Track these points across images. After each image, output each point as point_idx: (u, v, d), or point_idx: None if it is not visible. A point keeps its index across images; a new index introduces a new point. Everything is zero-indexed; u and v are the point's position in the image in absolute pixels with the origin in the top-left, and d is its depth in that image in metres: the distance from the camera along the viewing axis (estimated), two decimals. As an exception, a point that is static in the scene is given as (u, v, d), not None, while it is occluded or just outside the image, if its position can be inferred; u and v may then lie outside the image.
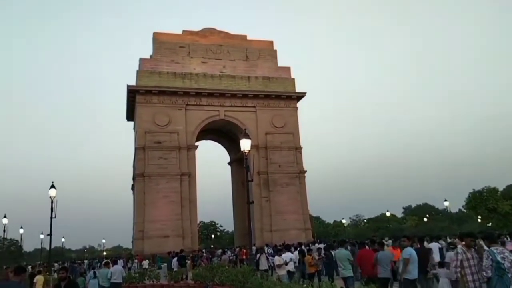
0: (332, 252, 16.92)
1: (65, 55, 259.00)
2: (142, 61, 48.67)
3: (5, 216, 38.41)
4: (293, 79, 52.70)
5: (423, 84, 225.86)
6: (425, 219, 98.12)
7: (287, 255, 16.09)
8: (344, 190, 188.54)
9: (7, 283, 7.60)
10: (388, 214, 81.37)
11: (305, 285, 9.06)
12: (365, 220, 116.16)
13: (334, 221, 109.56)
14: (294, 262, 16.53)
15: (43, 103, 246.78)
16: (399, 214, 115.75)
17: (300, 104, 52.47)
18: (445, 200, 57.67)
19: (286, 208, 47.35)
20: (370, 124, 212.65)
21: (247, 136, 18.17)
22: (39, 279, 16.26)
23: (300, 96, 51.93)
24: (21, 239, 54.45)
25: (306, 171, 50.03)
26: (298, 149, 50.17)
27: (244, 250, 28.82)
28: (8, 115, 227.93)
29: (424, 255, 11.44)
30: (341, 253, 12.77)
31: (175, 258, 25.88)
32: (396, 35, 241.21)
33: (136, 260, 38.05)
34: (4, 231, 39.40)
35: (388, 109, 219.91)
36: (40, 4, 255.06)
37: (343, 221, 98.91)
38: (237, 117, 48.98)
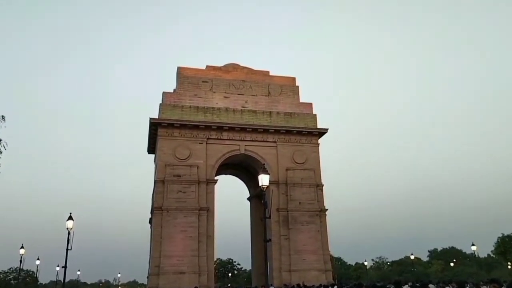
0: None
1: (90, 87, 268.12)
2: (165, 94, 49.72)
3: (22, 247, 38.67)
4: (315, 115, 52.71)
5: (451, 123, 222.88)
6: (451, 264, 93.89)
7: None
8: (367, 230, 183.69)
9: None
10: (412, 257, 78.35)
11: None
12: (388, 263, 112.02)
13: (356, 263, 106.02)
14: None
15: (63, 130, 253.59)
16: (424, 257, 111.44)
17: (322, 140, 52.17)
18: (473, 244, 55.21)
19: (306, 248, 46.07)
20: (395, 162, 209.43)
21: (265, 171, 17.90)
22: None
23: (322, 132, 51.68)
24: (37, 270, 54.50)
25: (327, 209, 48.98)
26: (319, 186, 49.40)
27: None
28: (31, 143, 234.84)
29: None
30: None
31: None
32: (420, 68, 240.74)
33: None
34: (20, 261, 39.60)
35: (415, 146, 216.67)
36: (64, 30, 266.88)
37: (365, 263, 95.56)
38: (258, 151, 48.93)
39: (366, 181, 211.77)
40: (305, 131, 50.60)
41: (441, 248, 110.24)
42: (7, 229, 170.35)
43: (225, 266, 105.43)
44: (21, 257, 38.86)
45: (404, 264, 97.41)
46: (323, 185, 49.91)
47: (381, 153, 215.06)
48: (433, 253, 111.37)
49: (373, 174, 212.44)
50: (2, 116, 22.91)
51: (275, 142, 49.71)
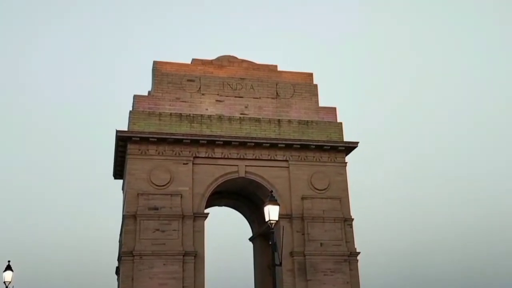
0: None
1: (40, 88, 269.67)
2: (137, 99, 49.66)
3: None
4: (340, 123, 52.69)
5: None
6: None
7: None
8: (416, 281, 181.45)
9: None
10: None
11: None
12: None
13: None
14: None
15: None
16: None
17: (350, 158, 52.06)
18: None
19: (331, 307, 45.68)
20: (447, 188, 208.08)
21: (274, 201, 17.78)
22: None
23: (351, 146, 51.51)
24: None
25: (359, 252, 48.62)
26: (347, 220, 49.07)
27: None
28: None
29: None
30: None
31: None
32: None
33: None
34: None
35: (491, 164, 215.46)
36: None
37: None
38: (263, 174, 48.78)
39: (414, 213, 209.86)
40: (328, 146, 50.44)
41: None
42: None
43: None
44: None
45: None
46: (353, 219, 49.58)
47: (436, 171, 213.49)
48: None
49: (424, 203, 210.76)
50: None
51: (286, 161, 49.61)
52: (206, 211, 48.25)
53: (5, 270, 25.42)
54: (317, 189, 49.25)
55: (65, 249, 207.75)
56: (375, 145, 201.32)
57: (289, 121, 51.09)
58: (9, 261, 25.44)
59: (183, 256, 44.61)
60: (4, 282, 25.03)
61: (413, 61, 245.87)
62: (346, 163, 51.51)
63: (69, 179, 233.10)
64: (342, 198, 49.64)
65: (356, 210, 50.42)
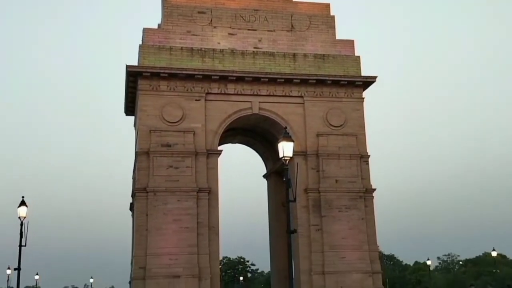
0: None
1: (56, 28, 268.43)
2: (146, 32, 49.49)
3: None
4: (358, 57, 52.26)
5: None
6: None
7: None
8: (430, 219, 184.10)
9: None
10: (494, 254, 78.83)
11: None
12: (460, 262, 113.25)
13: (416, 263, 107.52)
14: None
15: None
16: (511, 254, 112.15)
17: (367, 94, 51.86)
18: None
19: (346, 242, 46.80)
20: (469, 126, 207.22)
21: (288, 137, 18.03)
22: None
23: (369, 81, 51.30)
24: (-18, 274, 56.71)
25: (374, 189, 49.38)
26: (363, 157, 49.53)
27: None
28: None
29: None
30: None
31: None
32: None
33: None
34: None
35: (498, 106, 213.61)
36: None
37: (428, 262, 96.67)
38: (277, 111, 48.99)
39: (429, 151, 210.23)
40: (344, 81, 50.29)
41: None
42: None
43: (235, 267, 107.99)
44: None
45: (482, 264, 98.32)
46: (369, 156, 50.07)
47: (454, 113, 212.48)
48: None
49: (440, 142, 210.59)
50: None
51: (301, 97, 49.63)
52: (219, 148, 49.00)
53: (19, 206, 26.29)
54: (333, 126, 49.46)
55: (78, 187, 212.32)
56: (394, 80, 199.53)
57: (305, 55, 50.71)
58: (23, 197, 26.37)
59: (197, 192, 45.68)
60: (19, 218, 25.96)
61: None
62: (364, 98, 51.40)
63: (80, 115, 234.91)
64: (359, 135, 49.90)
65: (373, 147, 50.66)
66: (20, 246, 25.88)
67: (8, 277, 57.81)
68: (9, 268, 54.20)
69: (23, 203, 26.38)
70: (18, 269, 27.01)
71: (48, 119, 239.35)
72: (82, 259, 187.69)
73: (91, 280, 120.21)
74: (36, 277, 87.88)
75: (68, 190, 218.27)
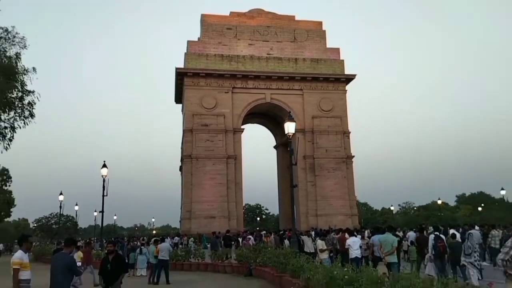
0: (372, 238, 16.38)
1: (113, 35, 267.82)
2: (190, 43, 49.46)
3: (61, 193, 40.97)
4: (342, 60, 51.55)
5: (486, 66, 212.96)
6: (479, 209, 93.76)
7: (353, 240, 14.48)
8: (393, 176, 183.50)
9: (60, 253, 8.29)
10: (439, 202, 78.46)
11: (346, 269, 8.96)
12: (415, 208, 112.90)
13: (383, 208, 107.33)
14: (361, 247, 14.63)
15: (89, 82, 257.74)
16: (452, 202, 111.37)
17: (349, 87, 51.35)
18: (502, 189, 54.52)
19: (332, 193, 47.00)
20: (423, 108, 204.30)
21: (291, 119, 18.06)
22: (77, 255, 17.19)
23: (350, 78, 50.74)
24: (76, 215, 57.99)
25: (354, 156, 49.21)
26: (346, 133, 49.36)
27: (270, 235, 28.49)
28: (64, 96, 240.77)
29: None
30: (388, 238, 12.51)
31: (221, 238, 26.50)
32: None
33: (183, 239, 39.29)
34: (60, 207, 42.09)
35: (444, 91, 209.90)
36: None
37: (392, 208, 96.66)
38: (284, 100, 48.80)
39: (394, 128, 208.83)
40: (332, 78, 49.81)
41: (469, 193, 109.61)
42: (47, 177, 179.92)
43: (254, 211, 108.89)
44: (60, 203, 41.22)
45: (431, 209, 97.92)
46: (350, 132, 49.84)
47: (410, 100, 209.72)
48: (461, 198, 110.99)
49: (401, 121, 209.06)
50: (33, 67, 23.66)
51: (301, 89, 49.33)
52: (242, 127, 49.08)
53: (102, 167, 26.80)
54: (324, 110, 49.20)
55: (143, 154, 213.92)
56: (372, 78, 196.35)
57: (304, 59, 50.17)
58: (104, 161, 26.76)
59: (226, 159, 46.00)
60: (102, 176, 26.48)
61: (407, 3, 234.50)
62: (346, 91, 50.92)
63: (144, 104, 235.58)
64: (342, 117, 49.63)
65: (353, 126, 50.52)
66: (103, 195, 26.39)
67: (95, 217, 59.09)
68: (95, 211, 55.39)
69: (104, 165, 26.79)
70: (102, 212, 27.61)
71: (120, 108, 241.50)
72: (146, 204, 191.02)
73: (153, 220, 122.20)
74: (114, 217, 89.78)
75: (136, 156, 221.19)
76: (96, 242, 38.26)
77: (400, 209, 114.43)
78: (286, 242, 21.77)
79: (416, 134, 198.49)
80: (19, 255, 7.34)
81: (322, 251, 15.27)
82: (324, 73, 49.62)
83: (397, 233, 21.44)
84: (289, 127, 17.74)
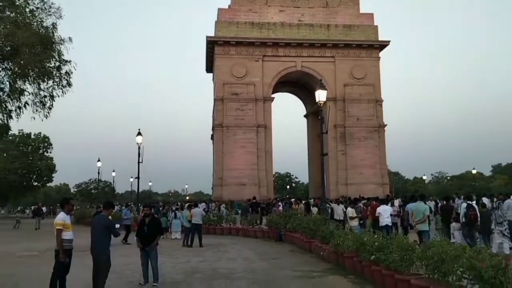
0: (406, 206, 16.33)
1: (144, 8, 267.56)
2: (220, 11, 48.82)
3: (99, 160, 42.48)
4: (376, 26, 49.69)
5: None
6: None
7: (384, 208, 14.31)
8: (427, 145, 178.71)
9: (99, 215, 8.68)
10: (474, 171, 76.32)
11: (376, 236, 8.96)
12: (448, 178, 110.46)
13: (414, 178, 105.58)
14: (391, 215, 14.60)
15: (122, 53, 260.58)
16: (487, 172, 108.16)
17: (382, 54, 49.72)
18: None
19: (363, 162, 46.51)
20: (459, 75, 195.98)
21: (322, 86, 17.73)
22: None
23: (383, 45, 49.02)
24: (113, 181, 60.30)
25: (386, 124, 48.21)
26: (378, 101, 48.23)
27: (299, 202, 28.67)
28: (101, 67, 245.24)
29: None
30: (419, 207, 12.37)
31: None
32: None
33: (210, 205, 40.18)
34: (98, 173, 43.78)
35: (481, 58, 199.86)
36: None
37: (424, 177, 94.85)
38: (315, 68, 47.87)
39: (428, 96, 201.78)
40: (365, 44, 48.24)
41: (506, 163, 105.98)
42: (85, 144, 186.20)
43: (283, 179, 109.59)
44: (98, 170, 42.87)
45: (465, 179, 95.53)
46: (382, 100, 48.65)
47: (446, 68, 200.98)
48: (497, 168, 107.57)
49: (437, 89, 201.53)
50: (69, 37, 24.09)
51: (333, 57, 48.16)
52: (272, 96, 48.74)
53: (137, 135, 27.46)
54: (356, 78, 48.08)
55: (176, 122, 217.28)
56: (406, 44, 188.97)
57: (336, 25, 48.68)
58: (139, 129, 27.38)
59: (257, 127, 46.07)
60: (137, 143, 27.17)
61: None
62: (380, 58, 49.39)
63: (178, 71, 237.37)
64: (375, 85, 48.41)
65: (386, 94, 49.16)
66: (139, 162, 27.13)
67: (131, 183, 61.12)
68: (131, 177, 57.16)
69: (139, 133, 27.42)
70: (138, 178, 28.48)
71: (154, 77, 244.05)
72: (180, 172, 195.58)
73: (186, 186, 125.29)
74: (150, 183, 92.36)
75: (170, 124, 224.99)
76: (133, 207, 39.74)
77: (432, 178, 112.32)
78: (313, 209, 21.97)
79: (451, 103, 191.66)
80: (61, 217, 7.71)
81: (352, 218, 15.29)
82: (357, 39, 48.07)
83: (428, 202, 21.16)
84: (320, 95, 17.43)
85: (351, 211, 15.72)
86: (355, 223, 15.11)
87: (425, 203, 13.76)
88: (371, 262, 8.63)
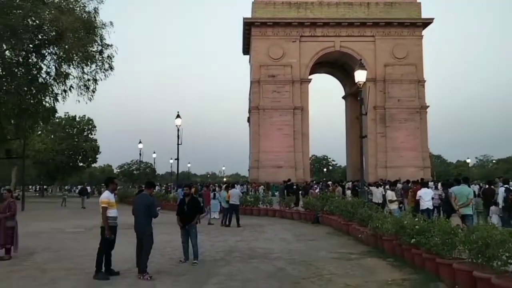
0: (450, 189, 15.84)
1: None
2: (257, -9, 48.21)
3: (140, 142, 43.70)
4: (419, 3, 47.68)
5: None
6: None
7: (425, 191, 13.96)
8: (471, 128, 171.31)
9: (141, 194, 8.98)
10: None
11: (417, 219, 8.77)
12: (494, 161, 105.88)
13: (457, 161, 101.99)
14: (433, 198, 14.17)
15: (169, 36, 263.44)
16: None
17: (425, 32, 47.76)
18: None
19: (403, 145, 45.37)
20: (508, 54, 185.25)
21: (362, 66, 17.24)
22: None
23: (427, 23, 47.05)
24: (154, 162, 61.95)
25: (428, 106, 46.66)
26: (420, 82, 46.60)
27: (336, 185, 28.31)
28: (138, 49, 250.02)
29: None
30: (463, 190, 11.96)
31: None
32: None
33: (242, 187, 40.43)
34: (140, 155, 45.12)
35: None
36: None
37: (468, 160, 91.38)
38: (354, 48, 46.70)
39: (474, 76, 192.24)
40: (408, 22, 46.48)
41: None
42: (127, 126, 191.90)
43: (320, 162, 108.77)
44: (140, 151, 44.19)
45: (511, 162, 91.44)
46: (425, 81, 46.98)
47: (493, 46, 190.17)
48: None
49: (483, 68, 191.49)
50: (111, 22, 24.61)
51: (373, 36, 46.77)
52: (309, 77, 48.15)
53: (176, 118, 27.99)
54: (397, 58, 46.60)
55: (213, 108, 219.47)
56: (450, 20, 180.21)
57: (376, 3, 47.12)
58: (178, 112, 27.90)
59: (293, 109, 45.80)
60: (176, 125, 27.73)
61: None
62: (423, 36, 47.50)
63: (217, 54, 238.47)
64: (417, 65, 46.77)
65: (428, 73, 47.36)
66: (178, 144, 27.73)
67: (171, 165, 62.58)
68: (171, 159, 58.38)
69: (178, 116, 27.92)
70: (177, 159, 29.14)
71: (191, 59, 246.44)
72: (217, 154, 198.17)
73: (223, 168, 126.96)
74: (188, 165, 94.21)
75: (207, 107, 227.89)
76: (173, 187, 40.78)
77: (477, 162, 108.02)
78: (348, 192, 21.76)
79: (498, 83, 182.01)
80: (106, 195, 8.04)
81: (391, 201, 15.02)
82: (398, 17, 46.38)
83: (472, 186, 20.52)
84: (360, 76, 16.96)
85: (390, 194, 15.44)
86: (394, 206, 14.84)
87: (469, 187, 13.32)
88: (411, 246, 8.48)
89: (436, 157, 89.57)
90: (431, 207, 13.89)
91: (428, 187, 15.36)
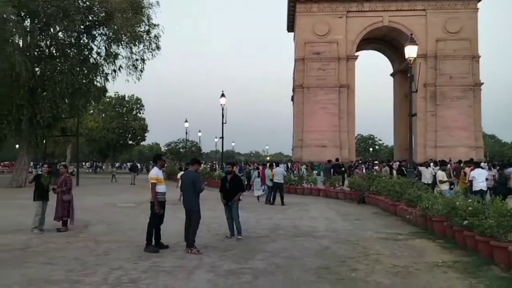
0: (506, 170, 15.05)
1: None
2: (302, -34, 47.02)
3: (186, 121, 44.64)
4: (476, -28, 44.60)
5: None
6: None
7: (479, 172, 13.35)
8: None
9: (187, 171, 9.19)
10: None
11: (470, 200, 8.38)
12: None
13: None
14: (487, 179, 13.50)
15: (211, 15, 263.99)
16: None
17: (481, 5, 44.77)
18: None
19: (455, 124, 43.39)
20: None
21: (413, 41, 16.48)
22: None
23: (483, -7, 44.04)
24: (199, 141, 63.23)
25: (482, 83, 44.12)
26: (475, 57, 44.01)
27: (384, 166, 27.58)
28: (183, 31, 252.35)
29: None
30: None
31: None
32: None
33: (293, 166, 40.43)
34: (186, 133, 46.24)
35: None
36: None
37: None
38: (403, 22, 44.70)
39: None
40: (462, -6, 43.77)
41: None
42: (174, 105, 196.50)
43: (366, 142, 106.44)
44: (186, 130, 45.26)
45: None
46: (479, 56, 44.33)
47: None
48: None
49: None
50: (157, 1, 24.97)
51: (424, 9, 44.50)
52: (356, 54, 46.75)
53: (221, 97, 28.31)
54: (450, 32, 44.13)
55: (257, 87, 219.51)
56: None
57: (429, -26, 44.49)
58: (222, 91, 28.19)
59: (339, 88, 44.84)
60: (221, 105, 28.05)
61: None
62: (478, 9, 44.58)
63: (260, 32, 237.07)
64: (472, 39, 44.11)
65: (482, 48, 44.69)
66: (222, 123, 28.12)
67: (215, 143, 63.57)
68: (216, 138, 59.28)
69: (223, 95, 28.19)
70: (221, 138, 29.58)
71: (240, 39, 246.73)
72: (261, 133, 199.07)
73: (267, 147, 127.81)
74: (232, 144, 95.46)
75: (251, 86, 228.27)
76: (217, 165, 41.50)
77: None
78: (394, 172, 21.20)
79: None
80: (155, 172, 8.27)
81: (442, 182, 14.43)
82: (452, -11, 43.70)
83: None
84: (410, 51, 16.22)
85: (441, 175, 14.82)
86: (445, 187, 14.25)
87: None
88: (463, 227, 8.14)
89: (489, 137, 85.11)
90: (485, 188, 13.25)
91: (481, 168, 14.62)
